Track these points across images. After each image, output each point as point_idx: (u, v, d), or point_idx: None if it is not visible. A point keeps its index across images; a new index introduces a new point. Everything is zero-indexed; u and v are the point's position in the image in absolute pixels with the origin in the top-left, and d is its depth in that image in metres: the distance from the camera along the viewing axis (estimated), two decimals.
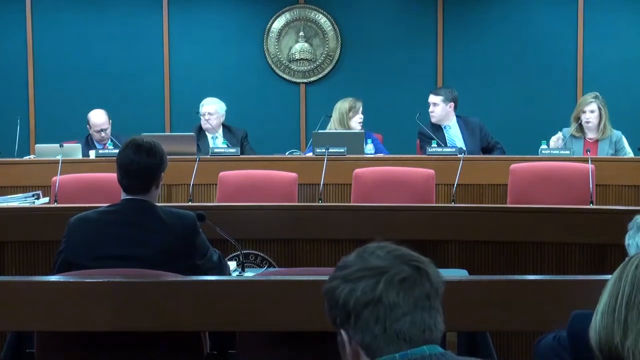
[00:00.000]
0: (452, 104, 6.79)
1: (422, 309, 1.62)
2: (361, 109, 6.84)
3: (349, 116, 6.80)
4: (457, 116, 6.86)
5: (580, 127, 6.43)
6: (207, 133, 7.01)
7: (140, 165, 3.38)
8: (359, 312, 1.62)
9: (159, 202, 5.01)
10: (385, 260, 1.65)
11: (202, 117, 7.01)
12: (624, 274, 1.73)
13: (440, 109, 6.79)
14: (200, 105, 7.08)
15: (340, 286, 1.64)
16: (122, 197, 3.44)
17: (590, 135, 6.43)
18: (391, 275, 1.63)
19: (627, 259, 1.78)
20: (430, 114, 6.85)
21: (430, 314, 1.63)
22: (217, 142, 6.90)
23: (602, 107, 6.39)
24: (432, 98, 6.85)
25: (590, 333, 1.73)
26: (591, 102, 6.41)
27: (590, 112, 6.38)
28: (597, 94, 6.50)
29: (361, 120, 6.83)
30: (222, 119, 7.06)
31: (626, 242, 2.69)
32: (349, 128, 6.76)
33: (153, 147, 3.42)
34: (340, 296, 1.63)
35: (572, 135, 6.42)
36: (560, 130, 6.54)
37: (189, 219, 3.42)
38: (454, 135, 6.79)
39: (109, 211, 3.45)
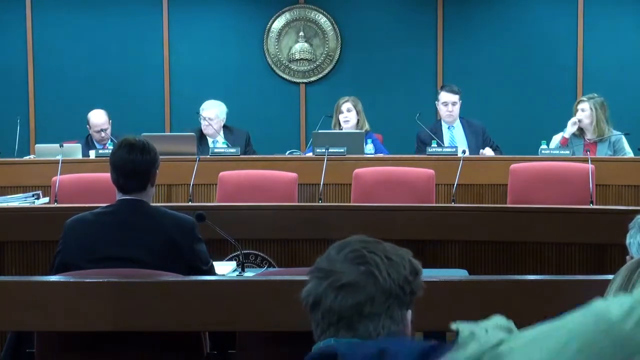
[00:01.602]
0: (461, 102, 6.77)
1: (359, 315, 1.64)
2: (348, 107, 6.75)
3: (337, 115, 6.81)
4: (460, 117, 6.81)
5: (580, 128, 6.44)
6: (207, 137, 6.94)
7: (135, 164, 3.38)
8: (309, 311, 1.70)
9: (158, 202, 5.02)
10: (337, 262, 1.66)
11: (202, 122, 6.91)
12: (631, 281, 1.67)
13: (458, 107, 6.69)
14: (201, 109, 6.95)
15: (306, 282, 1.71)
16: (118, 197, 3.44)
17: (588, 135, 6.43)
18: (333, 279, 1.65)
19: (634, 263, 1.75)
20: (448, 114, 6.69)
21: (369, 318, 1.64)
22: (219, 141, 6.85)
23: (595, 108, 6.37)
24: (451, 97, 6.67)
25: None
26: (583, 101, 6.43)
27: (582, 111, 6.40)
28: (594, 94, 6.50)
29: (347, 119, 6.73)
30: (223, 122, 6.96)
31: (627, 242, 2.69)
32: (340, 127, 6.76)
33: (146, 145, 3.43)
34: (302, 292, 1.71)
35: (574, 135, 6.42)
36: (563, 131, 6.54)
37: (188, 223, 3.42)
38: (458, 136, 6.73)
39: (105, 212, 3.44)
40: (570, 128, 6.41)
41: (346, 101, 6.81)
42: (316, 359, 1.60)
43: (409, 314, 1.70)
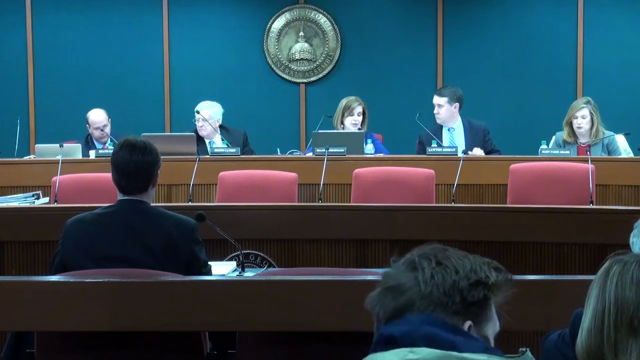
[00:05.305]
0: (457, 105, 6.70)
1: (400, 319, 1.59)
2: (359, 110, 6.72)
3: (344, 115, 6.77)
4: (462, 118, 6.79)
5: (573, 132, 6.43)
6: (204, 138, 6.89)
7: (137, 165, 3.38)
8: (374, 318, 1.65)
9: (158, 202, 5.02)
10: (394, 268, 1.62)
11: (196, 123, 6.85)
12: (606, 291, 1.70)
13: (445, 110, 6.69)
14: (195, 110, 6.89)
15: None
16: (119, 198, 3.44)
17: (582, 140, 6.42)
18: (383, 282, 1.61)
19: (606, 266, 1.77)
20: (435, 116, 6.72)
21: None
22: (216, 142, 6.83)
23: (593, 112, 6.39)
24: (437, 99, 6.71)
25: (577, 348, 1.72)
26: (582, 107, 6.41)
27: (582, 117, 6.39)
28: (589, 98, 6.50)
29: (356, 122, 6.69)
30: (219, 123, 6.91)
31: (630, 240, 2.69)
32: (343, 126, 6.72)
33: (148, 145, 3.44)
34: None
35: (565, 141, 6.42)
36: (554, 135, 6.55)
37: (189, 225, 3.42)
38: (458, 138, 6.70)
39: (106, 212, 3.44)
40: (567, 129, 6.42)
41: (359, 104, 6.75)
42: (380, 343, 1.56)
43: (467, 325, 1.61)
